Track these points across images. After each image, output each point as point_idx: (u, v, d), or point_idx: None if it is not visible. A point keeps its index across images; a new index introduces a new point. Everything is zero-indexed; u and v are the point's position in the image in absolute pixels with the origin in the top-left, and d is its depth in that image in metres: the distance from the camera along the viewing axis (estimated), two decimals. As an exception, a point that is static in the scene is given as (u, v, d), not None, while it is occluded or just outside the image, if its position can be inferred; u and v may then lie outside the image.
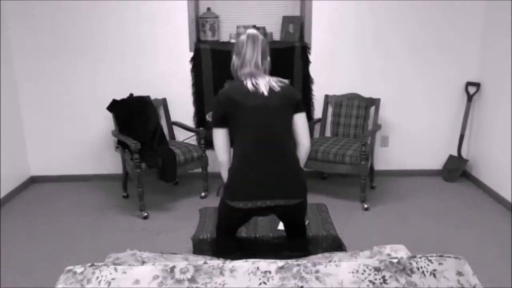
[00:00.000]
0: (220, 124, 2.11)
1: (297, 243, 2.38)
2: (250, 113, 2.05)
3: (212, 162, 4.17)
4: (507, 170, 3.65)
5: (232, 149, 2.16)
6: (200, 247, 2.65)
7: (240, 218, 2.22)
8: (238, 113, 2.05)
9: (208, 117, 3.77)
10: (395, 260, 1.52)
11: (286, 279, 1.48)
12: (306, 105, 4.16)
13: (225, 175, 2.18)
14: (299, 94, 2.21)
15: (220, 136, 2.13)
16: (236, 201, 2.08)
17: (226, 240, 2.37)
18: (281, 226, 2.71)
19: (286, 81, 2.19)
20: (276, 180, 2.06)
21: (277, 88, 2.09)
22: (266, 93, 2.05)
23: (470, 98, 4.13)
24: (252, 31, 2.20)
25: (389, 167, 4.36)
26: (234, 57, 2.21)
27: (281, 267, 1.51)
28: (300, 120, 2.18)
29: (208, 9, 4.05)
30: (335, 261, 1.55)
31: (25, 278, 2.76)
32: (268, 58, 2.21)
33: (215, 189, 3.99)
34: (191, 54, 4.04)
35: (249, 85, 2.07)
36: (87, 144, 4.28)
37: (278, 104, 2.07)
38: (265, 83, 2.08)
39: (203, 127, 3.94)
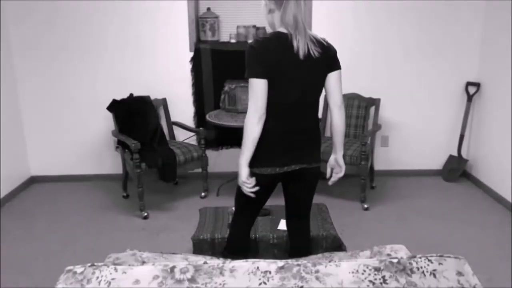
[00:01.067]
0: (261, 75, 1.93)
1: (300, 244, 2.34)
2: (286, 79, 1.97)
3: (212, 162, 4.17)
4: (507, 170, 3.64)
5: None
6: (200, 247, 2.65)
7: (265, 189, 2.12)
8: (274, 75, 1.94)
9: (208, 117, 3.77)
10: (395, 260, 1.52)
11: (286, 279, 1.48)
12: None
13: (255, 138, 1.97)
14: (335, 51, 2.11)
15: (262, 87, 1.93)
16: (271, 167, 2.04)
17: (241, 237, 2.33)
18: (281, 226, 2.71)
19: (323, 38, 2.08)
20: (300, 148, 2.08)
21: (315, 54, 1.97)
22: (302, 57, 1.95)
23: (470, 98, 4.13)
24: None
25: (389, 167, 4.36)
26: (273, 8, 2.00)
27: (281, 267, 1.51)
28: (332, 79, 2.09)
29: (208, 9, 4.05)
30: (335, 261, 1.55)
31: (25, 278, 2.76)
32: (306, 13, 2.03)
33: (215, 189, 3.99)
34: (191, 54, 4.04)
35: (289, 43, 1.94)
36: (87, 144, 4.27)
37: (314, 73, 2.01)
38: (305, 43, 1.95)
39: (203, 127, 3.94)
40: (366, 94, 4.07)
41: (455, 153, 4.30)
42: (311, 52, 1.96)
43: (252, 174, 2.02)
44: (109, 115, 3.87)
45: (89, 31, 4.00)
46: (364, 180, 3.64)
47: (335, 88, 2.12)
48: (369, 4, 3.98)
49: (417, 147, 4.34)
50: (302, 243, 2.37)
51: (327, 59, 2.03)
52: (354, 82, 4.14)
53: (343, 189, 4.05)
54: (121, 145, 3.70)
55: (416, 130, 4.29)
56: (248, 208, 2.26)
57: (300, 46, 1.94)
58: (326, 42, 2.05)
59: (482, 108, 4.08)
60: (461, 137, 4.21)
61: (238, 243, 2.34)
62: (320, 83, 2.07)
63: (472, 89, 4.14)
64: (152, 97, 4.02)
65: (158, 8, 3.95)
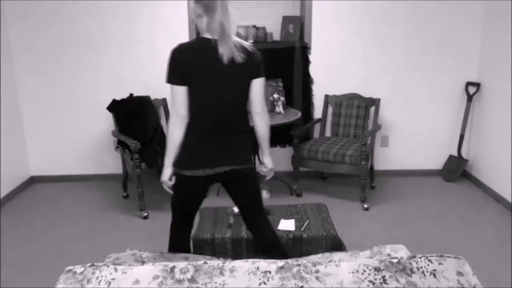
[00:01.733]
0: (179, 82, 2.02)
1: (265, 237, 2.32)
2: (209, 84, 2.01)
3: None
4: (507, 170, 3.65)
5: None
6: (200, 247, 2.65)
7: (195, 191, 2.18)
8: (195, 80, 2.00)
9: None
10: (395, 260, 1.52)
11: (286, 279, 1.48)
12: (306, 105, 4.16)
13: (176, 142, 2.05)
14: (260, 59, 2.09)
15: (180, 93, 2.02)
16: (194, 170, 2.08)
17: (181, 232, 2.33)
18: (281, 226, 2.72)
19: (249, 45, 2.08)
20: (227, 150, 2.11)
21: (240, 60, 1.99)
22: (227, 63, 1.98)
23: (470, 98, 4.13)
24: None
25: (389, 167, 4.36)
26: (201, 13, 2.06)
27: (281, 267, 1.51)
28: (256, 86, 2.09)
29: (208, 9, 4.05)
30: (335, 261, 1.55)
31: (25, 278, 2.76)
32: (234, 19, 2.03)
33: (215, 189, 3.99)
34: (191, 54, 4.04)
35: (214, 49, 1.98)
36: (87, 144, 4.28)
37: (238, 78, 2.04)
38: (229, 49, 1.98)
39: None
40: (366, 94, 4.07)
41: (455, 153, 4.30)
42: (235, 58, 1.99)
43: (179, 176, 2.11)
44: (109, 115, 3.88)
45: (89, 31, 4.00)
46: (364, 180, 3.64)
47: (256, 95, 2.11)
48: (369, 4, 3.98)
49: (417, 147, 4.34)
50: (266, 236, 2.32)
51: (251, 65, 2.05)
52: (354, 82, 4.15)
53: (343, 189, 4.06)
54: (121, 145, 3.70)
55: (416, 130, 4.30)
56: (183, 212, 2.28)
57: (225, 52, 1.97)
58: (252, 48, 2.07)
59: (482, 108, 4.08)
60: (461, 137, 4.21)
61: (178, 248, 2.33)
62: (245, 88, 2.08)
63: (472, 89, 4.14)
64: (152, 97, 4.02)
65: (158, 8, 3.95)
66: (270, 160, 2.29)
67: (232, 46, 1.98)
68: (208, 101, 2.03)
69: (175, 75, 2.02)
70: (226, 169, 2.12)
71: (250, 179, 2.24)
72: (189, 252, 2.35)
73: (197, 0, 2.06)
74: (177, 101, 2.01)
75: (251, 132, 2.18)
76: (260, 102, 2.12)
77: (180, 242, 2.34)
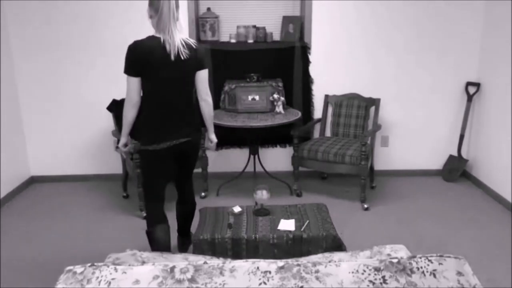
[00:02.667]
0: (132, 74, 2.42)
1: (186, 197, 2.88)
2: (159, 75, 2.42)
3: (212, 162, 4.17)
4: (507, 170, 3.65)
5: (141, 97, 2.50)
6: (200, 247, 2.65)
7: (161, 163, 2.60)
8: (148, 72, 2.41)
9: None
10: (395, 260, 1.52)
11: (286, 279, 1.48)
12: (306, 105, 4.16)
13: (129, 121, 2.51)
14: (204, 53, 2.57)
15: (133, 83, 2.43)
16: (156, 144, 2.52)
17: (156, 207, 2.69)
18: (281, 226, 2.72)
19: (194, 42, 2.49)
20: (178, 127, 2.56)
21: (184, 55, 2.40)
22: (173, 58, 2.38)
23: (470, 98, 4.13)
24: None
25: (389, 167, 4.36)
26: (152, 14, 2.42)
27: (281, 267, 1.51)
28: (200, 76, 2.55)
29: (208, 9, 4.06)
30: (335, 261, 1.55)
31: (25, 278, 2.76)
32: (179, 16, 2.43)
33: (215, 189, 3.99)
34: (191, 54, 4.04)
35: (162, 46, 2.37)
36: (87, 144, 4.28)
37: (183, 71, 2.46)
38: (175, 46, 2.38)
39: (203, 127, 3.93)
40: (366, 94, 4.07)
41: (455, 153, 4.30)
42: (181, 54, 2.40)
43: (145, 151, 2.56)
44: (109, 115, 3.88)
45: (89, 31, 4.00)
46: (364, 180, 3.64)
47: (201, 84, 2.57)
48: (369, 5, 3.98)
49: (417, 147, 4.34)
50: (187, 196, 2.89)
51: (195, 60, 2.47)
52: (354, 82, 4.15)
53: (343, 189, 4.06)
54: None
55: (416, 130, 4.30)
56: (154, 188, 2.68)
57: (172, 49, 2.37)
58: (196, 45, 2.49)
59: (482, 108, 4.08)
60: (461, 137, 4.21)
61: (154, 218, 2.68)
62: (189, 79, 2.52)
63: (472, 89, 4.14)
64: (152, 97, 4.02)
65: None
66: (214, 136, 2.84)
67: (177, 43, 2.39)
68: (159, 89, 2.46)
69: (130, 68, 2.41)
70: (182, 141, 2.58)
71: (195, 151, 2.77)
72: (165, 223, 2.68)
73: (150, 3, 2.41)
74: (130, 89, 2.43)
75: (194, 112, 2.64)
76: (205, 89, 2.60)
77: (155, 217, 2.68)
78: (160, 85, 2.45)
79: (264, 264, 1.53)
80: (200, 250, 2.65)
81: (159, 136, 2.51)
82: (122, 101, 3.81)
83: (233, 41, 4.08)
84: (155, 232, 2.61)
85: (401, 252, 1.91)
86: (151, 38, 2.42)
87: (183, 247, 3.00)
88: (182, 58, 2.40)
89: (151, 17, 2.43)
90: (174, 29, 2.37)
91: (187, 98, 2.56)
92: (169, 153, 2.57)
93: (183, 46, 2.41)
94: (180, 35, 2.41)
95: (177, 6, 2.39)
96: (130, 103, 2.47)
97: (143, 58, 2.37)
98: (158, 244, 2.61)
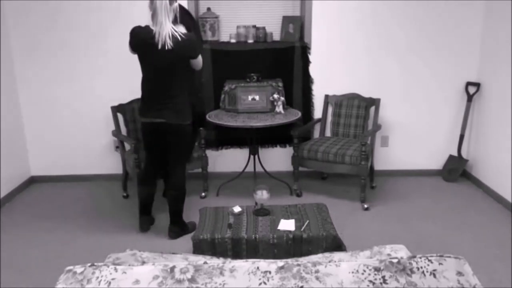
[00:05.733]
0: (132, 50, 2.96)
1: (174, 180, 3.14)
2: (148, 60, 2.90)
3: (212, 162, 4.17)
4: (507, 170, 3.65)
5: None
6: (200, 247, 2.65)
7: (145, 135, 3.10)
8: (140, 55, 2.92)
9: (208, 117, 3.77)
10: (395, 260, 1.52)
11: (286, 279, 1.48)
12: (306, 105, 4.16)
13: None
14: (189, 44, 2.89)
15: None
16: (141, 116, 3.06)
17: (144, 169, 3.25)
18: (281, 226, 2.72)
19: (180, 35, 2.83)
20: (163, 108, 2.96)
21: (170, 46, 2.78)
22: (160, 47, 2.79)
23: (470, 98, 4.13)
24: None
25: (389, 167, 4.36)
26: (150, 10, 2.85)
27: (281, 267, 1.51)
28: (193, 64, 3.02)
29: (208, 9, 4.06)
30: (335, 261, 1.55)
31: (25, 278, 2.76)
32: (174, 6, 2.86)
33: (215, 189, 3.99)
34: (191, 54, 4.04)
35: (153, 36, 2.80)
36: (87, 144, 4.28)
37: (168, 59, 2.83)
38: (163, 38, 2.78)
39: (203, 127, 3.94)
40: (366, 94, 4.07)
41: (455, 153, 4.30)
42: (167, 44, 2.79)
43: (142, 123, 3.10)
44: (109, 115, 3.87)
45: (90, 31, 4.00)
46: (364, 180, 3.64)
47: (195, 68, 3.09)
48: (369, 5, 3.98)
49: (417, 147, 4.34)
50: (170, 181, 3.17)
51: (179, 50, 2.84)
52: (354, 82, 4.15)
53: (343, 189, 4.06)
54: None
55: (416, 130, 4.30)
56: (149, 156, 3.19)
57: (160, 39, 2.79)
58: (182, 38, 2.84)
59: (482, 108, 4.08)
60: (461, 137, 4.21)
61: (138, 178, 3.27)
62: (174, 67, 2.89)
63: (472, 89, 4.14)
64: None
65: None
66: None
67: (165, 36, 2.78)
68: (148, 73, 2.95)
69: (131, 44, 2.93)
70: (157, 121, 2.97)
71: (175, 136, 3.02)
72: (146, 185, 3.25)
73: (149, 2, 2.83)
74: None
75: (179, 98, 2.96)
76: (198, 69, 3.13)
77: (139, 177, 3.27)
78: (147, 69, 2.94)
79: (264, 264, 1.53)
80: (200, 250, 2.66)
81: (142, 110, 3.04)
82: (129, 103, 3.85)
83: (233, 41, 4.08)
84: (138, 190, 3.29)
85: (401, 252, 1.91)
86: (147, 28, 2.85)
87: (169, 234, 3.25)
88: (167, 48, 2.79)
89: (149, 12, 2.84)
90: (165, 23, 2.78)
91: (170, 84, 2.92)
92: (149, 129, 3.04)
93: (170, 38, 2.79)
94: (170, 28, 2.80)
95: (171, 3, 2.81)
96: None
97: (137, 44, 2.89)
98: (139, 199, 3.29)
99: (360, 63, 4.12)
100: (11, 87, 4.02)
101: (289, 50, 4.04)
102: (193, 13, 3.99)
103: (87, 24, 3.98)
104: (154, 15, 2.80)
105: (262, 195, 2.86)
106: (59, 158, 4.30)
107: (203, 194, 3.92)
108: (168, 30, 2.80)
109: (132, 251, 2.05)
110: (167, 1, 2.79)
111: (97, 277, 1.50)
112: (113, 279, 1.49)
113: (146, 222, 3.34)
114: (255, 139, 3.88)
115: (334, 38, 4.07)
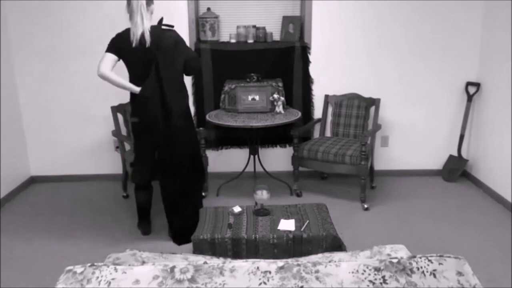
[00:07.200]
0: (114, 53, 2.91)
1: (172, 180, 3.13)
2: (130, 60, 2.94)
3: (212, 162, 4.17)
4: (507, 170, 3.65)
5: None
6: (200, 247, 2.65)
7: (139, 132, 3.11)
8: (124, 57, 2.94)
9: (208, 117, 3.77)
10: (395, 260, 1.52)
11: (286, 279, 1.48)
12: (306, 105, 4.16)
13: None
14: (171, 42, 2.92)
15: (110, 59, 2.91)
16: (133, 117, 3.10)
17: (142, 164, 3.17)
18: (281, 226, 2.72)
19: (161, 32, 2.91)
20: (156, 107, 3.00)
21: (147, 44, 2.84)
22: (134, 45, 2.84)
23: (470, 98, 4.13)
24: None
25: (389, 167, 4.36)
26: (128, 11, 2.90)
27: (281, 267, 1.52)
28: (188, 63, 3.07)
29: (208, 9, 4.05)
30: (335, 261, 1.55)
31: (25, 278, 2.76)
32: (151, 8, 2.95)
33: (215, 189, 3.99)
34: (191, 54, 4.04)
35: (133, 36, 2.85)
36: (87, 144, 4.28)
37: (146, 57, 2.87)
38: (137, 37, 2.83)
39: (203, 127, 3.94)
40: (366, 94, 4.07)
41: (455, 153, 4.30)
42: (145, 43, 2.85)
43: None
44: (109, 115, 3.87)
45: (90, 30, 4.00)
46: (364, 180, 3.64)
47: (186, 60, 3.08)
48: (369, 4, 3.98)
49: (417, 147, 4.34)
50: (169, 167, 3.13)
51: (157, 47, 2.87)
52: (354, 82, 4.15)
53: (343, 189, 4.06)
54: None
55: (416, 130, 4.30)
56: (140, 149, 3.15)
57: (134, 39, 2.85)
58: (164, 35, 2.91)
59: (482, 108, 4.08)
60: (461, 137, 4.21)
61: (138, 173, 3.20)
62: (148, 62, 2.88)
63: (472, 89, 4.14)
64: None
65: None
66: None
67: (140, 35, 2.84)
68: (136, 71, 2.97)
69: (112, 49, 2.90)
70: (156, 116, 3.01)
71: (182, 120, 3.08)
72: (147, 180, 3.23)
73: (127, 2, 2.89)
74: (104, 61, 2.88)
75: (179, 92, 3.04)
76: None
77: (141, 170, 3.20)
78: (135, 68, 2.97)
79: (264, 264, 1.53)
80: (200, 250, 2.65)
81: (133, 109, 3.13)
82: (121, 105, 3.84)
83: (233, 41, 4.08)
84: (135, 196, 3.29)
85: (401, 252, 1.91)
86: (125, 30, 2.92)
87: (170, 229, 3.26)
88: (145, 47, 2.85)
89: (127, 13, 2.91)
90: (140, 23, 2.85)
91: (168, 80, 2.96)
92: (144, 126, 3.07)
93: (147, 36, 2.85)
94: (147, 27, 2.86)
95: (148, 4, 2.89)
96: (98, 73, 2.93)
97: (122, 46, 2.90)
98: (137, 204, 3.30)
99: (360, 63, 4.12)
100: (10, 87, 4.02)
101: (289, 50, 4.04)
102: (193, 13, 4.00)
103: (87, 24, 3.98)
104: (131, 16, 2.88)
105: (262, 195, 2.86)
106: (59, 158, 4.30)
107: (203, 194, 3.92)
108: (145, 29, 2.85)
109: (132, 251, 2.05)
110: (144, 1, 2.86)
111: (97, 277, 1.50)
112: (113, 279, 1.49)
113: (146, 225, 3.32)
114: (255, 139, 3.88)
115: (334, 38, 4.07)
